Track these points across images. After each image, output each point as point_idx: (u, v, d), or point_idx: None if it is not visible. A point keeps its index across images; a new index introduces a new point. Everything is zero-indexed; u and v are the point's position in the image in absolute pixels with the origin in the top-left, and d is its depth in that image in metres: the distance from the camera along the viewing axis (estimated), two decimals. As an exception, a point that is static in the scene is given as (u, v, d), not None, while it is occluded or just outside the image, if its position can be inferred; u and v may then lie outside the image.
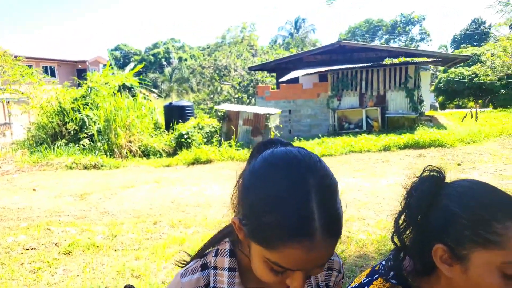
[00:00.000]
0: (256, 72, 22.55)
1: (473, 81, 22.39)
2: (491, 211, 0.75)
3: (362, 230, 4.20)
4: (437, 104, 24.12)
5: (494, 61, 18.34)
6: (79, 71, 25.94)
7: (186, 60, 45.51)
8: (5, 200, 6.36)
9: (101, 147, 10.63)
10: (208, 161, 9.38)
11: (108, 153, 10.40)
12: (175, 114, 12.77)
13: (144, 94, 15.75)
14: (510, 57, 16.65)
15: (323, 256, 0.63)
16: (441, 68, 26.07)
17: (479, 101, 24.21)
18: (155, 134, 12.02)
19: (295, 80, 14.76)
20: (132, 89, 15.27)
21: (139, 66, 17.90)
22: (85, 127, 11.27)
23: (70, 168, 9.08)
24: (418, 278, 0.86)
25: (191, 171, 8.48)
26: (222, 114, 11.93)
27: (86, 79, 13.36)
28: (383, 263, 0.93)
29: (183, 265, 0.85)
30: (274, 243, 0.61)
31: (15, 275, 3.43)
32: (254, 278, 0.72)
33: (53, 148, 10.46)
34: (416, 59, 13.08)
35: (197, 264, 0.80)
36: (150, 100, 15.19)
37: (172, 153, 10.86)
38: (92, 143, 10.88)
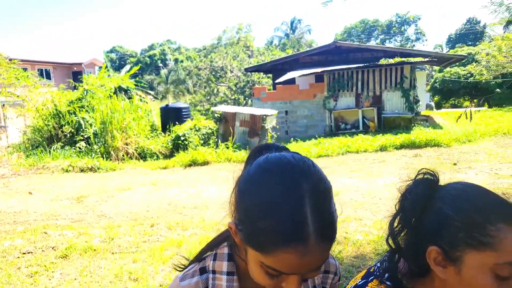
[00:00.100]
0: (253, 73, 22.57)
1: (469, 81, 22.50)
2: (484, 214, 0.77)
3: (359, 230, 4.21)
4: (433, 104, 24.23)
5: (489, 60, 18.45)
6: (74, 74, 25.88)
7: (182, 61, 45.46)
8: (1, 204, 6.33)
9: (98, 150, 10.60)
10: (205, 163, 9.37)
11: (104, 156, 10.37)
12: (171, 116, 12.75)
13: (140, 96, 15.73)
14: (505, 57, 16.76)
15: (318, 260, 0.63)
16: (436, 67, 26.20)
17: (475, 100, 24.35)
18: (152, 136, 11.99)
19: (292, 81, 14.78)
20: (128, 91, 15.25)
21: (135, 68, 17.86)
22: (81, 129, 11.24)
23: (67, 171, 9.05)
24: (412, 280, 0.87)
25: (188, 173, 8.48)
26: (219, 115, 11.93)
27: (81, 82, 13.32)
28: (378, 265, 0.94)
29: (181, 269, 0.86)
30: (268, 248, 0.61)
31: (12, 279, 3.42)
32: (252, 282, 0.73)
33: (49, 151, 10.42)
34: (412, 59, 13.14)
35: (196, 268, 0.81)
36: (146, 102, 15.15)
37: (169, 155, 10.84)
38: (88, 146, 10.84)
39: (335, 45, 15.56)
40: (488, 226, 0.75)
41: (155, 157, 10.80)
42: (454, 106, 27.12)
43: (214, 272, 0.79)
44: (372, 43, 49.25)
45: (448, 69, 24.04)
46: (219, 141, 11.24)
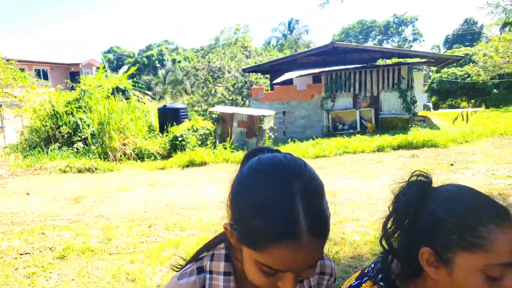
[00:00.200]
0: (250, 73, 22.58)
1: (466, 81, 22.59)
2: (476, 216, 0.78)
3: (356, 231, 4.23)
4: (430, 104, 24.30)
5: (486, 61, 18.52)
6: (72, 74, 25.82)
7: (180, 62, 45.43)
8: (-2, 204, 6.31)
9: (95, 150, 10.59)
10: (203, 164, 9.38)
11: (102, 156, 10.36)
12: (169, 117, 12.76)
13: (138, 96, 15.71)
14: (502, 57, 16.83)
15: (311, 257, 0.65)
16: (434, 68, 26.28)
17: (472, 101, 24.43)
18: (149, 137, 11.99)
19: (289, 82, 14.81)
20: (126, 92, 15.22)
21: (133, 69, 17.87)
22: (79, 130, 11.22)
23: (64, 171, 9.03)
24: (405, 281, 0.88)
25: (186, 174, 8.48)
26: (217, 116, 11.94)
27: (79, 82, 13.31)
28: (372, 266, 0.96)
29: (178, 269, 0.87)
30: (262, 245, 0.63)
31: (10, 280, 3.41)
32: (249, 283, 0.74)
33: (47, 152, 10.40)
34: (409, 60, 13.18)
35: (193, 267, 0.82)
36: (144, 103, 15.16)
37: (167, 156, 10.84)
38: (86, 147, 10.83)
39: (333, 45, 15.60)
40: (480, 227, 0.77)
41: (152, 158, 10.80)
42: (451, 106, 27.20)
43: (211, 272, 0.80)
44: (370, 43, 49.35)
45: (445, 69, 24.13)
46: (217, 141, 11.24)
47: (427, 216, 0.83)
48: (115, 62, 53.15)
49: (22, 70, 14.41)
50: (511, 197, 5.03)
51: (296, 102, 14.39)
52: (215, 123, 11.92)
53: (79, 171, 9.12)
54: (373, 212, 4.82)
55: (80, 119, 11.37)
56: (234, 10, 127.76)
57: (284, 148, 10.79)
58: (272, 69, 16.74)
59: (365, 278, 0.93)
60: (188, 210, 5.51)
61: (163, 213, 5.43)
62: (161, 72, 36.05)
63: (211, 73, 24.74)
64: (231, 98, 23.26)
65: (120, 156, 10.54)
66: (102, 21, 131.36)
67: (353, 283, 0.96)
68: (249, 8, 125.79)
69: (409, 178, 0.91)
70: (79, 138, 11.03)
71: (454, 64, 21.48)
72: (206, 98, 24.82)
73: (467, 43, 38.93)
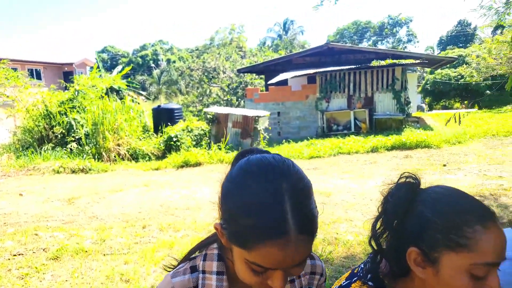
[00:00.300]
0: (245, 74, 22.60)
1: (459, 82, 22.77)
2: (462, 217, 0.80)
3: (350, 231, 4.26)
4: (423, 105, 24.47)
5: (479, 62, 18.70)
6: (65, 74, 25.67)
7: (174, 62, 45.33)
8: (-9, 205, 6.26)
9: (89, 151, 10.54)
10: (198, 164, 9.37)
11: (96, 157, 10.32)
12: (163, 117, 12.72)
13: (132, 96, 15.65)
14: (495, 59, 17.00)
15: (300, 254, 0.66)
16: (427, 69, 26.47)
17: (465, 102, 24.64)
18: (144, 137, 11.95)
19: (284, 82, 14.84)
20: (120, 92, 15.17)
21: (127, 69, 17.78)
22: (73, 130, 11.16)
23: (58, 172, 8.98)
24: (394, 280, 0.90)
25: (180, 174, 8.47)
26: (211, 116, 11.94)
27: (73, 82, 13.22)
28: (362, 266, 0.97)
29: (171, 269, 0.88)
30: (252, 244, 0.64)
31: (3, 281, 3.40)
32: (241, 282, 0.76)
33: (40, 152, 10.33)
34: (403, 61, 13.28)
35: (187, 266, 0.83)
36: (138, 103, 15.11)
37: (161, 156, 10.82)
38: (79, 147, 10.77)
39: (328, 46, 15.66)
40: (465, 228, 0.79)
41: (147, 158, 10.77)
42: (445, 107, 27.40)
43: (204, 272, 0.81)
44: (365, 44, 49.61)
45: (439, 70, 24.31)
46: (212, 142, 11.24)
47: (415, 217, 0.85)
48: (109, 62, 52.91)
49: (15, 69, 14.31)
50: (503, 198, 5.09)
51: (291, 103, 14.43)
52: (210, 124, 11.92)
53: (73, 172, 9.07)
54: (366, 213, 4.85)
55: (74, 119, 11.31)
56: (232, 10, 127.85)
57: (278, 149, 10.82)
58: (267, 70, 16.77)
59: (355, 278, 0.95)
60: (182, 211, 5.51)
61: (157, 213, 5.42)
62: (155, 72, 35.94)
63: (206, 74, 24.72)
64: (226, 98, 23.26)
65: (114, 156, 10.50)
66: (88, 23, 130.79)
67: (343, 283, 0.98)
68: (249, 8, 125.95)
69: (398, 180, 0.93)
70: (73, 139, 10.97)
71: (448, 65, 21.65)
72: (201, 98, 24.79)
73: (460, 45, 39.25)
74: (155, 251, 3.95)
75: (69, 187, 7.41)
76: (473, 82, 20.16)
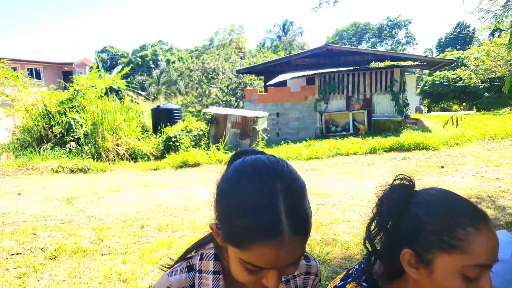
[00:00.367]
0: (244, 75, 22.61)
1: (458, 84, 22.83)
2: (455, 219, 0.81)
3: (347, 232, 4.27)
4: (422, 107, 24.52)
5: (478, 64, 18.78)
6: (65, 74, 25.65)
7: (174, 62, 45.34)
8: (-11, 205, 6.26)
9: (88, 151, 10.54)
10: (196, 164, 9.38)
11: (95, 157, 10.32)
12: (163, 117, 12.73)
13: (131, 97, 15.66)
14: (493, 61, 17.07)
15: (293, 254, 0.67)
16: (426, 71, 26.52)
17: (463, 104, 24.70)
18: (143, 137, 11.95)
19: (283, 83, 14.87)
20: (120, 92, 15.18)
21: (127, 69, 17.80)
22: (72, 130, 11.15)
23: (56, 172, 8.98)
24: (388, 281, 0.91)
25: (179, 175, 8.48)
26: (210, 117, 11.95)
27: (72, 82, 13.22)
28: (357, 267, 0.99)
29: (168, 269, 0.89)
30: (246, 244, 0.66)
31: (0, 280, 3.40)
32: (237, 281, 0.77)
33: (39, 152, 10.32)
34: (402, 63, 13.31)
35: (184, 265, 0.84)
36: (138, 103, 15.12)
37: (160, 157, 10.83)
38: (78, 147, 10.77)
39: (327, 48, 15.69)
40: (458, 230, 0.80)
41: (146, 158, 10.77)
42: (443, 109, 27.45)
43: (200, 271, 0.82)
44: (364, 46, 49.70)
45: (437, 72, 24.37)
46: (210, 142, 11.25)
47: (409, 219, 0.86)
48: (109, 62, 52.91)
49: (14, 69, 14.31)
50: (500, 200, 5.11)
51: (290, 104, 14.45)
52: (209, 124, 11.93)
53: (72, 171, 9.07)
54: (364, 214, 4.87)
55: (73, 119, 11.30)
56: (232, 10, 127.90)
57: (277, 150, 10.83)
58: (266, 71, 16.79)
59: (349, 279, 0.96)
60: (181, 211, 5.51)
61: (156, 214, 5.43)
62: (155, 72, 35.96)
63: (205, 74, 24.73)
64: (225, 99, 23.26)
65: (113, 156, 10.50)
66: (88, 23, 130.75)
67: (338, 284, 0.99)
68: (249, 8, 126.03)
69: (393, 182, 0.94)
70: (72, 138, 10.97)
71: (446, 67, 21.70)
72: (200, 99, 24.80)
73: (459, 47, 39.33)
74: (153, 251, 3.96)
75: (68, 187, 7.41)
76: (472, 84, 20.22)
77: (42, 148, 10.54)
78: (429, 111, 26.46)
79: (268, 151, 10.71)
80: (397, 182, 0.93)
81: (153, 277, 3.40)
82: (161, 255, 3.84)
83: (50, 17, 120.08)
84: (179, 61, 46.23)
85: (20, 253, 4.03)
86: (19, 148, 11.15)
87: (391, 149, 9.64)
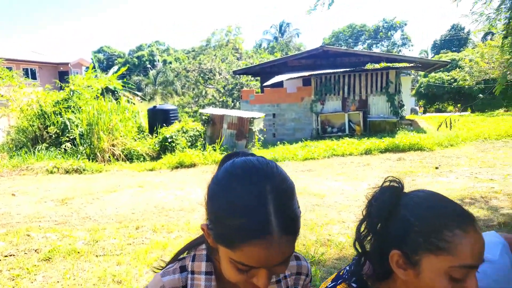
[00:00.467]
0: (241, 75, 22.63)
1: (452, 86, 22.97)
2: (442, 220, 0.83)
3: (342, 233, 4.29)
4: (417, 108, 24.65)
5: (472, 66, 18.91)
6: (61, 74, 25.55)
7: (170, 63, 45.27)
8: (-17, 205, 6.23)
9: (83, 151, 10.50)
10: (192, 165, 9.38)
11: (90, 157, 10.28)
12: (159, 118, 12.71)
13: (127, 97, 15.63)
14: (487, 63, 17.19)
15: (283, 253, 0.68)
16: (421, 72, 26.68)
17: (458, 105, 24.86)
18: (139, 138, 11.92)
19: (280, 84, 14.89)
20: (116, 92, 15.16)
21: (123, 69, 17.72)
22: (67, 130, 11.11)
23: (51, 172, 8.94)
24: (377, 282, 0.93)
25: (175, 175, 8.47)
26: (207, 117, 11.94)
27: (68, 82, 13.17)
28: (347, 268, 1.00)
29: (160, 270, 0.90)
30: (236, 244, 0.67)
31: (-6, 282, 3.39)
32: (229, 282, 0.78)
33: (34, 152, 10.28)
34: (397, 64, 13.38)
35: (176, 266, 0.85)
36: (134, 104, 15.07)
37: (156, 157, 10.81)
38: (74, 147, 10.73)
39: (323, 49, 15.74)
40: (445, 232, 0.81)
41: (142, 159, 10.75)
42: (438, 110, 27.62)
43: (193, 272, 0.83)
44: (360, 47, 49.88)
45: (432, 74, 24.52)
46: (207, 143, 11.25)
47: (398, 221, 0.87)
48: (105, 62, 52.76)
49: (10, 69, 14.24)
50: (493, 200, 5.15)
51: (286, 105, 14.48)
52: (205, 125, 11.92)
53: (67, 172, 9.04)
54: (359, 215, 4.84)
55: (69, 119, 11.26)
56: (232, 10, 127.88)
57: (273, 150, 10.85)
58: (262, 72, 16.81)
59: (340, 280, 0.97)
60: (176, 212, 5.51)
61: (151, 214, 5.43)
62: (151, 72, 35.89)
63: (202, 75, 24.72)
64: (221, 99, 23.27)
65: (109, 157, 10.47)
66: (93, 22, 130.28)
67: (329, 285, 1.00)
68: (249, 8, 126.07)
69: (382, 184, 0.95)
70: (67, 139, 10.92)
71: (441, 69, 21.84)
72: (196, 99, 24.78)
73: (454, 49, 39.59)
74: (148, 252, 3.96)
75: (63, 188, 7.38)
76: (466, 86, 20.36)
77: (37, 149, 10.49)
78: (424, 112, 26.62)
79: (264, 151, 10.75)
80: (387, 184, 0.95)
81: (147, 278, 3.40)
82: (156, 256, 3.84)
83: (47, 17, 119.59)
84: (176, 61, 46.18)
85: (13, 255, 4.01)
86: (14, 149, 11.09)
87: (386, 150, 9.68)
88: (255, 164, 0.72)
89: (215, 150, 10.40)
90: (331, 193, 6.10)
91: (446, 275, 0.81)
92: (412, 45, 51.34)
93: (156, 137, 11.66)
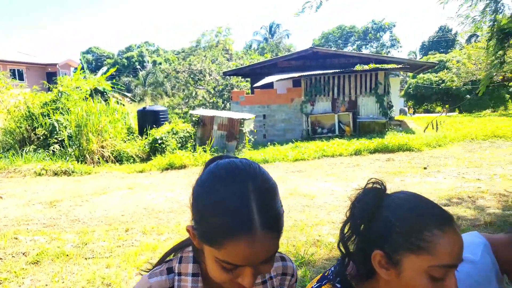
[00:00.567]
0: (231, 76, 22.62)
1: (440, 87, 23.28)
2: (422, 221, 0.85)
3: (332, 233, 4.32)
4: (406, 109, 24.93)
5: (459, 67, 19.20)
6: (49, 75, 25.24)
7: (160, 64, 45.02)
8: (-31, 209, 6.13)
9: (72, 153, 10.39)
10: (182, 167, 9.35)
11: (79, 159, 10.18)
12: (149, 119, 12.64)
13: (117, 98, 15.50)
14: (474, 64, 17.47)
15: (266, 250, 0.70)
16: (410, 73, 26.98)
17: (446, 106, 25.22)
18: (128, 139, 11.84)
19: (270, 85, 14.93)
20: (105, 94, 15.00)
21: (112, 70, 17.58)
22: (55, 132, 10.98)
23: (39, 174, 8.83)
24: (361, 282, 0.95)
25: (165, 177, 8.44)
26: (197, 119, 11.91)
27: (56, 83, 13.02)
28: (332, 269, 1.02)
29: (147, 272, 0.91)
30: (220, 241, 0.69)
31: (-20, 287, 3.34)
32: (215, 283, 0.79)
33: (21, 154, 10.13)
34: (386, 66, 13.53)
35: (163, 268, 0.86)
36: (123, 105, 14.96)
37: (146, 159, 10.75)
38: (62, 149, 10.60)
39: (312, 50, 15.83)
40: (425, 232, 0.84)
41: (131, 161, 10.68)
42: (427, 111, 27.95)
43: (179, 274, 0.85)
44: (349, 48, 50.24)
45: (421, 75, 24.82)
46: (197, 144, 11.22)
47: (380, 222, 0.90)
48: (94, 63, 52.25)
49: (-4, 70, 14.02)
50: (480, 200, 5.24)
51: (276, 106, 14.52)
52: (195, 126, 11.89)
53: (55, 174, 8.94)
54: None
55: (57, 120, 11.13)
56: (221, 11, 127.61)
57: (264, 151, 10.87)
58: (253, 73, 16.84)
59: (325, 281, 0.99)
60: (166, 214, 5.49)
61: (141, 216, 5.40)
62: (141, 73, 35.65)
63: (192, 76, 24.64)
64: (212, 101, 23.22)
65: (98, 158, 10.38)
66: (73, 24, 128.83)
67: (314, 285, 1.02)
68: (238, 9, 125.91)
69: (365, 186, 0.98)
70: (56, 140, 10.79)
71: (429, 70, 22.12)
72: (186, 100, 24.69)
73: (442, 50, 40.13)
74: (138, 254, 3.94)
75: (51, 190, 7.30)
76: (454, 87, 20.66)
77: (24, 151, 10.34)
78: (414, 113, 26.92)
79: (255, 152, 10.77)
80: (370, 186, 0.97)
81: (137, 280, 3.38)
82: (146, 259, 3.82)
83: (35, 18, 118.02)
84: (166, 62, 45.92)
85: (1, 258, 3.96)
86: (1, 151, 10.91)
87: (375, 151, 9.78)
88: (238, 165, 0.75)
89: (205, 151, 10.39)
90: (321, 194, 6.14)
91: (426, 274, 0.83)
92: (401, 46, 51.93)
93: (146, 138, 11.59)
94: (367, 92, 13.49)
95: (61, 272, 3.59)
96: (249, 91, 17.94)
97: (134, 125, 13.34)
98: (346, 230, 0.96)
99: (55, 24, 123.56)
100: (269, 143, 12.36)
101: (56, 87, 12.57)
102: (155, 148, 10.85)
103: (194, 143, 11.50)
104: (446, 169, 7.40)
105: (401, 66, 14.04)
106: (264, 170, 0.77)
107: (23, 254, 4.06)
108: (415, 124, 15.63)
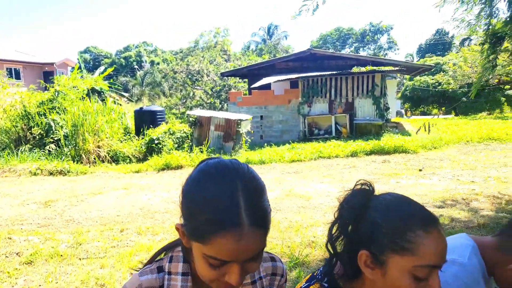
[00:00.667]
0: (229, 77, 22.63)
1: (436, 89, 23.38)
2: (407, 222, 0.87)
3: (327, 234, 4.33)
4: (403, 111, 25.02)
5: (456, 70, 19.30)
6: (45, 74, 25.16)
7: (158, 64, 44.98)
8: (-37, 208, 6.10)
9: (68, 153, 10.36)
10: (179, 167, 9.35)
11: (75, 159, 10.15)
12: (146, 119, 12.62)
13: (114, 98, 15.47)
14: (470, 67, 17.57)
15: (253, 246, 0.71)
16: (407, 76, 27.08)
17: (443, 108, 25.33)
18: (125, 139, 11.81)
19: (267, 86, 14.96)
20: (102, 93, 14.97)
21: (109, 70, 17.54)
22: (51, 131, 10.94)
23: (35, 174, 8.80)
24: (348, 281, 0.96)
25: (161, 177, 8.43)
26: (194, 119, 11.91)
27: (53, 82, 12.98)
28: (321, 269, 1.03)
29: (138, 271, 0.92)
30: (208, 237, 0.70)
31: (-27, 286, 3.33)
32: (204, 282, 0.80)
33: (17, 154, 10.09)
34: (383, 68, 13.58)
35: (154, 266, 0.87)
36: (120, 105, 14.93)
37: (142, 159, 10.73)
38: (58, 149, 10.57)
39: (310, 52, 15.86)
40: (409, 233, 0.85)
41: (128, 161, 10.65)
42: (423, 113, 28.06)
43: (169, 273, 0.86)
44: (347, 50, 50.39)
45: (418, 77, 24.91)
46: (194, 145, 11.22)
47: (367, 223, 0.91)
48: (92, 63, 52.15)
49: (-8, 68, 13.97)
50: (474, 202, 5.27)
51: (274, 107, 14.54)
52: (192, 127, 11.89)
53: (51, 174, 8.91)
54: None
55: (53, 120, 11.09)
56: (220, 11, 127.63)
57: (260, 152, 10.88)
58: (250, 74, 16.86)
59: (313, 281, 1.01)
60: (162, 214, 5.49)
61: (136, 217, 5.39)
62: (139, 73, 35.61)
63: (189, 76, 24.64)
64: (209, 101, 23.22)
65: (94, 158, 10.36)
66: (71, 23, 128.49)
67: (303, 285, 1.03)
68: (237, 10, 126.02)
69: (354, 187, 0.99)
70: (52, 140, 10.76)
71: (426, 72, 22.21)
72: (184, 101, 24.69)
73: (439, 53, 40.31)
74: (133, 255, 3.94)
75: (46, 190, 7.28)
76: (450, 89, 20.76)
77: (20, 150, 10.31)
78: (411, 115, 27.01)
79: (252, 153, 10.77)
80: (358, 187, 0.99)
81: (131, 280, 3.39)
82: (140, 259, 3.82)
83: (33, 17, 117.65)
84: (164, 62, 45.90)
85: (-6, 258, 3.94)
86: (-4, 150, 10.87)
87: (371, 152, 9.81)
88: (228, 164, 0.76)
89: (202, 152, 10.39)
90: (317, 195, 6.15)
91: (410, 274, 0.85)
92: (398, 49, 52.17)
93: (142, 138, 11.57)
94: (364, 94, 13.54)
95: (55, 272, 3.58)
96: (247, 92, 17.96)
97: (131, 125, 13.31)
98: (334, 231, 0.98)
99: (55, 24, 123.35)
100: (266, 144, 12.37)
101: (53, 87, 12.54)
102: (152, 148, 10.84)
103: (191, 143, 11.49)
104: (441, 171, 7.43)
105: (398, 68, 14.10)
106: (253, 170, 0.78)
107: (17, 254, 4.04)
108: (411, 126, 15.70)
